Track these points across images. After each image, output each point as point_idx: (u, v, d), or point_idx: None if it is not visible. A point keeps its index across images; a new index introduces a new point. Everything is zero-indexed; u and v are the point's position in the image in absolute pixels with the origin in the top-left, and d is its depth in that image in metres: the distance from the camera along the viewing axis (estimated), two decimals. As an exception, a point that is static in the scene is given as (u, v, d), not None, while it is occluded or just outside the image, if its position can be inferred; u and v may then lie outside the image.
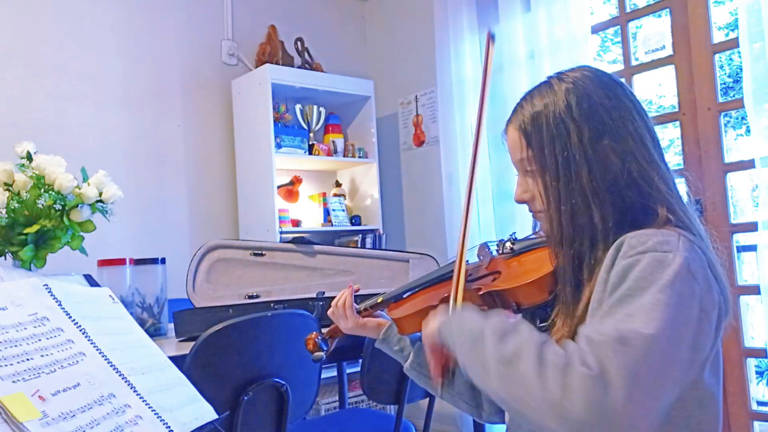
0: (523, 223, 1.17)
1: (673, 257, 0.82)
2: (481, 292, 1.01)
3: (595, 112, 0.94)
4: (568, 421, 0.73)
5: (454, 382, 1.17)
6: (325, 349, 1.25)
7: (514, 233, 1.11)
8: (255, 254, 1.90)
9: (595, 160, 0.92)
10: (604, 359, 0.74)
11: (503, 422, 1.17)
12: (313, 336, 1.25)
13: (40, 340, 0.81)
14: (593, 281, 0.90)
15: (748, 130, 2.63)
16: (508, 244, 1.08)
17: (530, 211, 1.05)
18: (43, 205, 1.72)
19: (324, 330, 1.30)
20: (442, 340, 0.95)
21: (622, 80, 1.03)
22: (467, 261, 1.08)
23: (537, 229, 1.12)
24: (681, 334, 0.78)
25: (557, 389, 0.74)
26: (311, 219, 3.59)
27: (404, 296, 1.21)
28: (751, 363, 2.41)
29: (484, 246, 1.13)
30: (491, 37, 1.11)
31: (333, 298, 1.29)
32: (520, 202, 1.03)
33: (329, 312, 1.28)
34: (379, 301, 1.23)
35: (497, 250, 1.10)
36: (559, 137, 0.94)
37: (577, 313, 0.90)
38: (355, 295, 1.28)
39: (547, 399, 0.74)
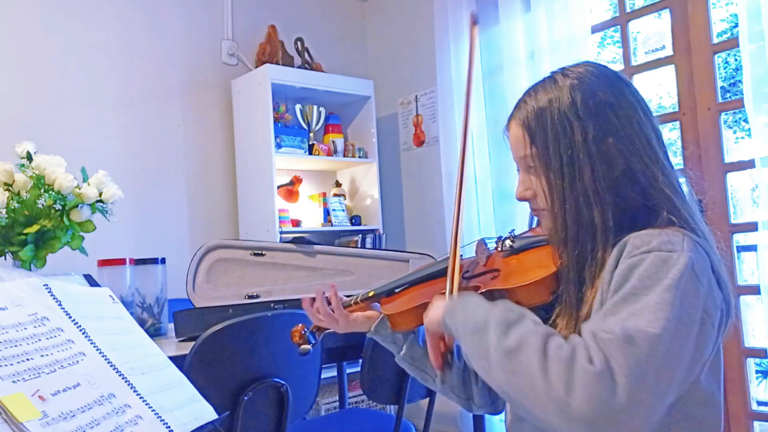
0: (523, 223, 1.16)
1: (677, 257, 0.82)
2: (481, 291, 0.99)
3: (601, 109, 0.93)
4: (570, 417, 0.73)
5: (446, 374, 1.15)
6: (313, 342, 1.21)
7: (513, 230, 1.09)
8: (255, 254, 1.90)
9: (600, 159, 0.91)
10: (609, 357, 0.74)
11: (494, 413, 1.18)
12: (299, 328, 1.21)
13: (40, 340, 0.81)
14: (596, 282, 0.89)
15: (748, 133, 2.63)
16: (507, 242, 1.06)
17: (532, 209, 1.04)
18: (43, 205, 1.72)
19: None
20: (446, 329, 0.95)
21: (628, 78, 1.02)
22: (462, 256, 1.07)
23: (533, 226, 1.11)
24: (685, 334, 0.78)
25: (561, 385, 0.74)
26: (311, 219, 3.58)
27: (396, 291, 1.18)
28: (751, 363, 2.41)
29: (482, 242, 1.11)
30: (474, 21, 1.10)
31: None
32: (521, 199, 1.02)
33: (316, 319, 1.22)
34: (370, 294, 1.20)
35: (496, 247, 1.08)
36: (563, 135, 0.93)
37: (580, 314, 0.90)
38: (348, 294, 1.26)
39: (550, 394, 0.74)
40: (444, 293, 1.03)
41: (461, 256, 1.05)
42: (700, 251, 0.85)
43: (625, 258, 0.85)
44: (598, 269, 0.90)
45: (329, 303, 1.20)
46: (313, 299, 1.21)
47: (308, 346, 1.21)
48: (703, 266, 0.84)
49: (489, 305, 0.89)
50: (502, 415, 1.15)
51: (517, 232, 1.09)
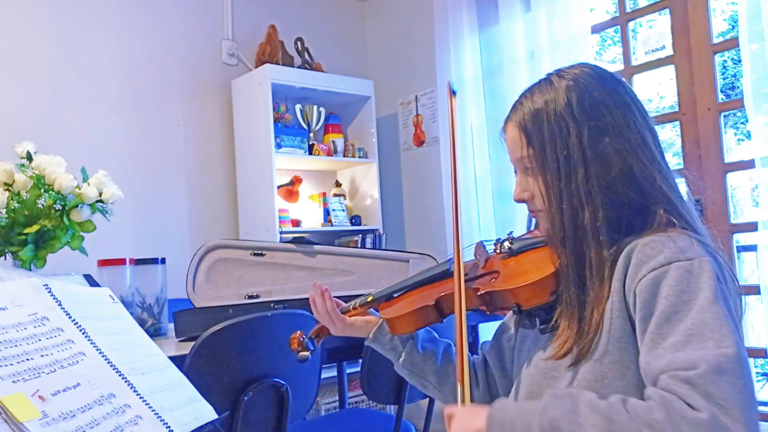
0: (523, 223, 1.16)
1: (700, 264, 0.82)
2: (480, 293, 0.99)
3: (597, 110, 0.93)
4: None
5: (446, 380, 1.15)
6: (312, 348, 1.20)
7: (511, 232, 1.09)
8: (255, 254, 1.90)
9: (597, 160, 0.92)
10: (711, 396, 0.71)
11: None
12: (298, 335, 1.20)
13: (40, 340, 0.81)
14: (602, 284, 0.89)
15: (748, 135, 2.63)
16: (506, 244, 1.06)
17: (529, 210, 1.04)
18: (43, 205, 1.72)
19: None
20: None
21: (623, 79, 1.03)
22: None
23: (531, 228, 1.11)
24: (742, 342, 0.79)
25: None
26: (311, 219, 3.58)
27: (395, 295, 1.17)
28: (751, 363, 2.41)
29: (480, 245, 1.11)
30: (452, 92, 1.11)
31: (333, 298, 1.26)
32: (519, 201, 1.02)
33: (317, 316, 1.22)
34: (369, 299, 1.19)
35: (494, 249, 1.08)
36: (560, 136, 0.93)
37: (584, 314, 0.89)
38: (341, 296, 1.24)
39: None
40: (444, 296, 1.03)
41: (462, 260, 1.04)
42: (711, 253, 0.86)
43: (638, 268, 0.85)
44: (597, 269, 0.90)
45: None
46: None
47: (307, 353, 1.20)
48: (720, 268, 0.85)
49: (531, 402, 0.84)
50: None
51: (516, 234, 1.10)
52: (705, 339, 0.75)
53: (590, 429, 0.75)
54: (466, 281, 1.01)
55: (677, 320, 0.78)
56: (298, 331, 1.22)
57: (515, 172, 1.04)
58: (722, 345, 0.74)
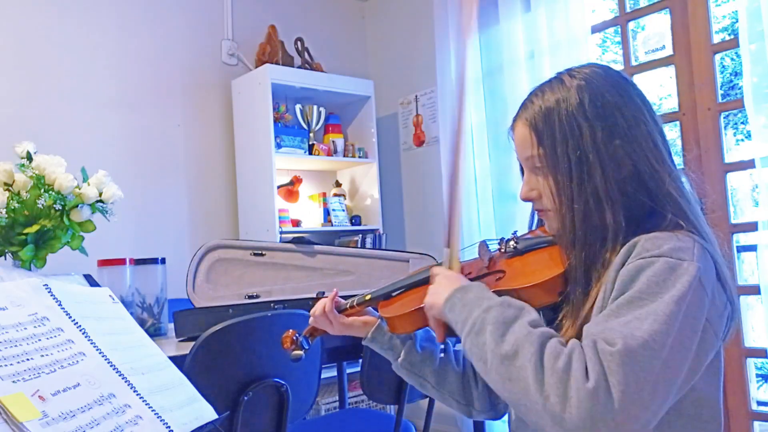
0: (524, 223, 1.15)
1: (686, 267, 0.82)
2: None
3: (608, 111, 0.93)
4: (563, 429, 0.74)
5: (444, 379, 1.15)
6: (306, 347, 1.18)
7: (516, 231, 1.08)
8: (255, 254, 1.90)
9: (608, 161, 0.91)
10: (607, 372, 0.73)
11: (495, 418, 1.17)
12: (291, 334, 1.18)
13: (40, 340, 0.81)
14: (601, 282, 0.89)
15: (747, 135, 2.63)
16: (511, 243, 1.05)
17: (536, 209, 1.03)
18: (43, 205, 1.72)
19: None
20: (446, 320, 0.95)
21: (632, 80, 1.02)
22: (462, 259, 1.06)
23: (533, 227, 1.11)
24: (687, 346, 0.79)
25: (556, 399, 0.74)
26: (311, 219, 3.59)
27: (394, 294, 1.15)
28: (751, 363, 2.41)
29: (484, 244, 1.10)
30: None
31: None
32: (526, 200, 1.01)
33: (311, 320, 1.21)
34: (367, 298, 1.17)
35: (499, 249, 1.07)
36: (572, 135, 0.92)
37: (582, 313, 0.90)
38: (340, 295, 1.22)
39: (545, 406, 0.75)
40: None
41: (461, 254, 1.04)
42: (708, 258, 0.86)
43: (633, 258, 0.85)
44: (604, 270, 0.90)
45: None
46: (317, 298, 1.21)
47: (300, 352, 1.17)
48: (710, 275, 0.84)
49: (487, 301, 0.88)
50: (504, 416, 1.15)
51: (518, 233, 1.09)
52: (641, 323, 0.77)
53: (505, 345, 0.81)
54: (470, 280, 1.01)
55: (636, 306, 0.79)
56: (291, 330, 1.19)
57: (521, 170, 1.04)
58: (652, 335, 0.75)
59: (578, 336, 0.88)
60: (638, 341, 0.75)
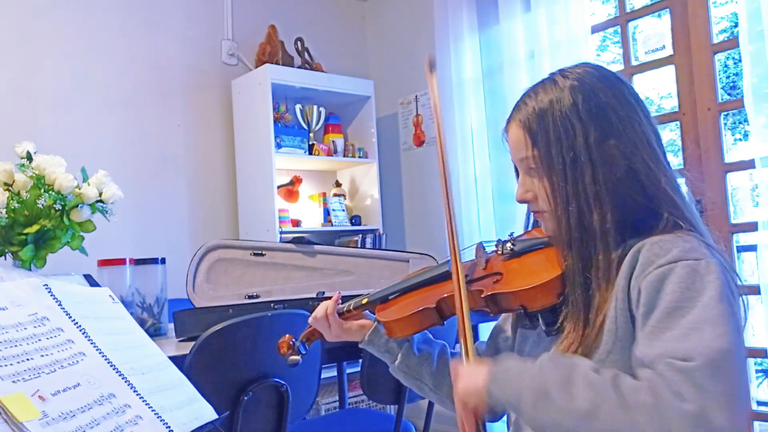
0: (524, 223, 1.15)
1: (706, 265, 0.82)
2: (484, 295, 0.98)
3: (602, 111, 0.93)
4: None
5: (442, 382, 1.13)
6: (303, 353, 1.16)
7: (512, 233, 1.08)
8: (255, 254, 1.90)
9: (602, 161, 0.91)
10: (699, 390, 0.71)
11: (492, 420, 1.16)
12: (287, 339, 1.16)
13: (40, 340, 0.81)
14: (608, 286, 0.89)
15: (746, 135, 2.62)
16: (508, 245, 1.04)
17: (532, 210, 1.03)
18: (43, 205, 1.72)
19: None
20: (493, 401, 0.88)
21: (626, 79, 1.02)
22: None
23: (529, 228, 1.11)
24: (742, 341, 0.79)
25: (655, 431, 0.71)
26: (311, 219, 3.59)
27: (391, 297, 1.14)
28: (751, 363, 2.41)
29: (481, 246, 1.10)
30: (431, 66, 1.10)
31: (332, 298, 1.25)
32: (521, 201, 1.01)
33: (311, 322, 1.19)
34: (364, 302, 1.15)
35: (496, 251, 1.06)
36: (565, 136, 0.92)
37: (589, 318, 0.89)
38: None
39: None
40: (445, 298, 1.01)
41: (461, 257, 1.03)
42: (717, 256, 0.86)
43: (645, 266, 0.84)
44: (604, 271, 0.90)
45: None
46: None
47: (297, 357, 1.15)
48: (726, 273, 0.85)
49: (530, 364, 0.86)
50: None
51: (515, 234, 1.09)
52: (704, 333, 0.75)
53: (579, 401, 0.77)
54: (467, 283, 1.00)
55: (679, 315, 0.78)
56: (287, 335, 1.17)
57: (516, 172, 1.04)
58: (720, 340, 0.74)
59: (585, 340, 0.87)
60: (714, 350, 0.73)
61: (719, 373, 0.72)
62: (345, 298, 1.21)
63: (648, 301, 0.82)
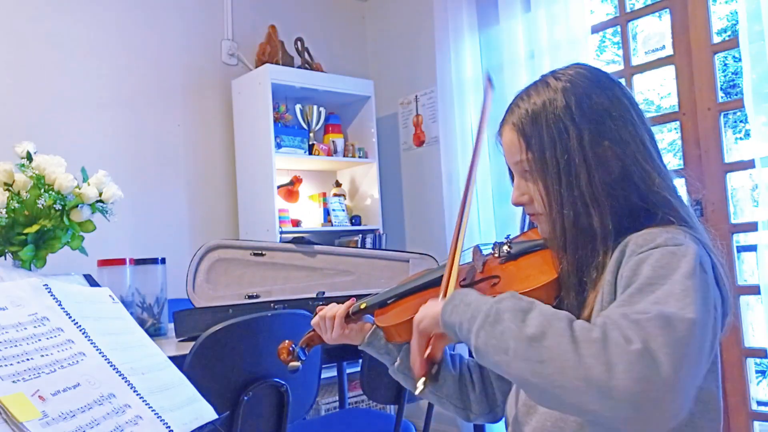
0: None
1: (685, 249, 0.81)
2: None
3: (595, 112, 0.92)
4: (613, 400, 0.68)
5: (441, 383, 1.13)
6: (303, 358, 1.15)
7: (509, 235, 1.08)
8: (255, 254, 1.90)
9: (596, 163, 0.91)
10: (648, 336, 0.70)
11: (492, 421, 1.16)
12: (287, 345, 1.15)
13: (40, 340, 0.81)
14: (597, 285, 0.89)
15: (747, 134, 2.63)
16: (505, 248, 1.04)
17: (528, 213, 1.03)
18: (43, 205, 1.72)
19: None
20: (446, 327, 0.87)
21: (620, 80, 1.01)
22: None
23: (525, 229, 1.11)
24: (707, 322, 0.76)
25: (599, 367, 0.69)
26: (311, 219, 3.59)
27: (389, 302, 1.13)
28: (751, 363, 2.41)
29: (478, 249, 1.09)
30: (490, 82, 1.10)
31: (333, 298, 1.25)
32: (517, 204, 1.01)
33: (313, 321, 1.18)
34: (362, 306, 1.14)
35: (492, 253, 1.06)
36: (559, 139, 0.92)
37: (581, 317, 0.88)
38: (336, 297, 1.21)
39: (588, 378, 0.69)
40: (437, 297, 1.00)
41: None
42: (702, 248, 0.85)
43: (629, 256, 0.84)
44: (599, 273, 0.89)
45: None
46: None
47: (297, 363, 1.14)
48: (707, 261, 0.84)
49: (492, 297, 0.84)
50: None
51: (511, 237, 1.08)
52: (665, 303, 0.74)
53: (528, 327, 0.75)
54: (465, 286, 1.00)
55: (649, 291, 0.77)
56: (287, 341, 1.16)
57: (511, 174, 1.03)
58: (682, 309, 0.73)
59: None
60: (670, 313, 0.72)
61: (672, 329, 0.70)
62: (345, 299, 1.21)
63: (626, 283, 0.81)
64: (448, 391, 1.13)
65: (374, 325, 1.15)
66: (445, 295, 0.93)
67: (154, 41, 3.27)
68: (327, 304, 1.19)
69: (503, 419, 1.12)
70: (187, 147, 3.35)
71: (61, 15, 3.00)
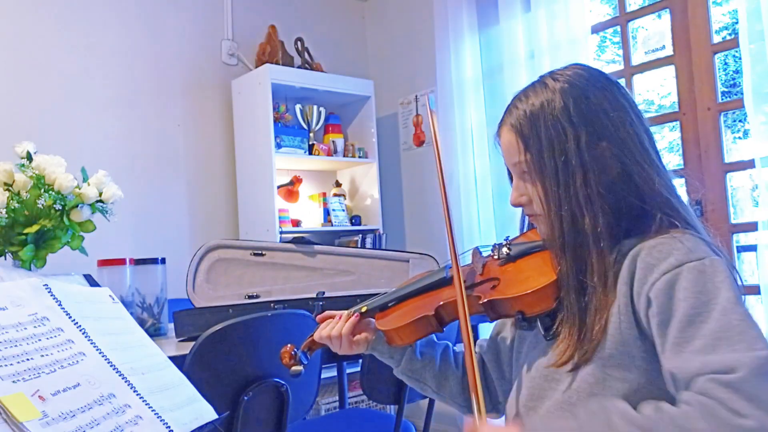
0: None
1: (711, 264, 0.81)
2: (482, 301, 0.97)
3: (593, 113, 0.92)
4: None
5: (444, 383, 1.14)
6: (305, 362, 1.14)
7: (508, 236, 1.08)
8: (255, 254, 1.90)
9: (594, 164, 0.91)
10: (755, 399, 0.69)
11: (495, 418, 1.16)
12: (289, 349, 1.14)
13: (40, 340, 0.81)
14: (605, 290, 0.88)
15: (746, 134, 2.63)
16: (504, 249, 1.04)
17: (526, 214, 1.03)
18: (43, 205, 1.72)
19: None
20: None
21: (619, 80, 1.01)
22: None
23: (524, 230, 1.11)
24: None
25: None
26: (311, 219, 3.59)
27: (390, 305, 1.12)
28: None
29: (477, 251, 1.09)
30: (431, 110, 1.10)
31: (333, 298, 1.25)
32: (516, 205, 1.01)
33: (319, 338, 1.14)
34: (363, 310, 1.13)
35: (491, 255, 1.06)
36: (557, 140, 0.92)
37: (586, 320, 0.88)
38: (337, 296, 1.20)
39: None
40: (444, 304, 1.01)
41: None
42: (714, 252, 0.85)
43: (646, 272, 0.84)
44: (600, 275, 0.89)
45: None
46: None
47: (300, 368, 1.13)
48: (729, 268, 0.84)
49: (564, 417, 0.84)
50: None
51: (510, 238, 1.08)
52: (734, 342, 0.74)
53: None
54: (465, 288, 1.00)
55: (700, 322, 0.77)
56: (289, 345, 1.15)
57: (509, 175, 1.03)
58: (754, 347, 0.73)
59: (581, 344, 0.87)
60: (753, 357, 0.72)
61: (765, 379, 0.70)
62: (345, 299, 1.21)
63: (661, 310, 0.81)
64: (452, 391, 1.14)
65: (375, 330, 1.14)
66: (479, 412, 0.87)
67: (154, 41, 3.27)
68: (327, 306, 1.18)
69: (504, 417, 1.12)
70: (187, 147, 3.35)
71: (61, 15, 3.00)
